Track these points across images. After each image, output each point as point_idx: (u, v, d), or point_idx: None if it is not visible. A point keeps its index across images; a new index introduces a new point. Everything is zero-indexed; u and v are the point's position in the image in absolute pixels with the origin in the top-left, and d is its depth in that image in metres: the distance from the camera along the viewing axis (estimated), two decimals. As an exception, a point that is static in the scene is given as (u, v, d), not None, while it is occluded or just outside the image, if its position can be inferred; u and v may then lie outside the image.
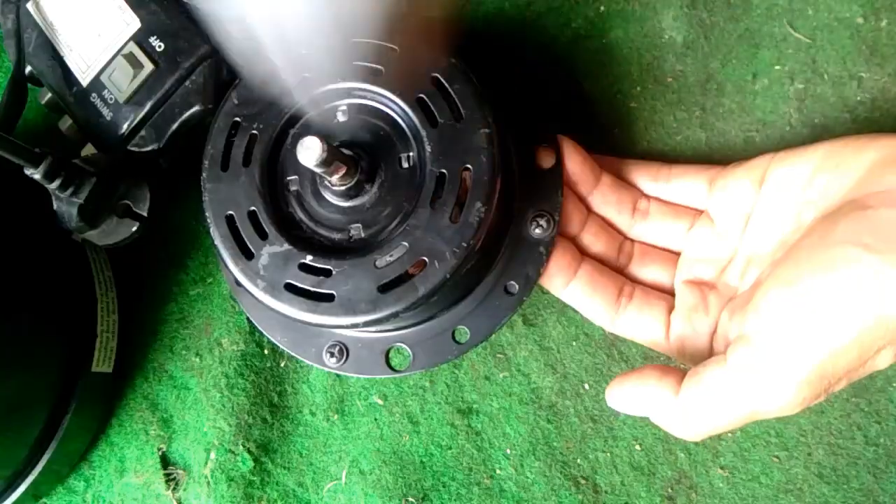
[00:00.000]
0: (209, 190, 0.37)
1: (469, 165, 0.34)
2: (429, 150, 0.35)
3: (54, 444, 0.45)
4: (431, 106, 0.35)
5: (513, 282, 0.39)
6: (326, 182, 0.35)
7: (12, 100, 0.42)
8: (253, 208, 0.36)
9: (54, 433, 0.45)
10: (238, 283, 0.36)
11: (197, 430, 0.49)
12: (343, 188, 0.35)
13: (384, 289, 0.34)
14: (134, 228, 0.45)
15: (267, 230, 0.36)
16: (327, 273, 0.34)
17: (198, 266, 0.52)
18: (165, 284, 0.52)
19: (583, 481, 0.45)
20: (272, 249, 0.35)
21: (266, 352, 0.49)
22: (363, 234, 0.36)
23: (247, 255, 0.35)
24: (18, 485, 0.45)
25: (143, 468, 0.49)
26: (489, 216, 0.34)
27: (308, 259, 0.35)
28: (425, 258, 0.34)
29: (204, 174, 0.37)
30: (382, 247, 0.34)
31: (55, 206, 0.42)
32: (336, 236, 0.36)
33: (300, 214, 0.37)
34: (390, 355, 0.40)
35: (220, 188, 0.37)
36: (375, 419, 0.48)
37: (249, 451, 0.48)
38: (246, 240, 0.36)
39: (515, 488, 0.46)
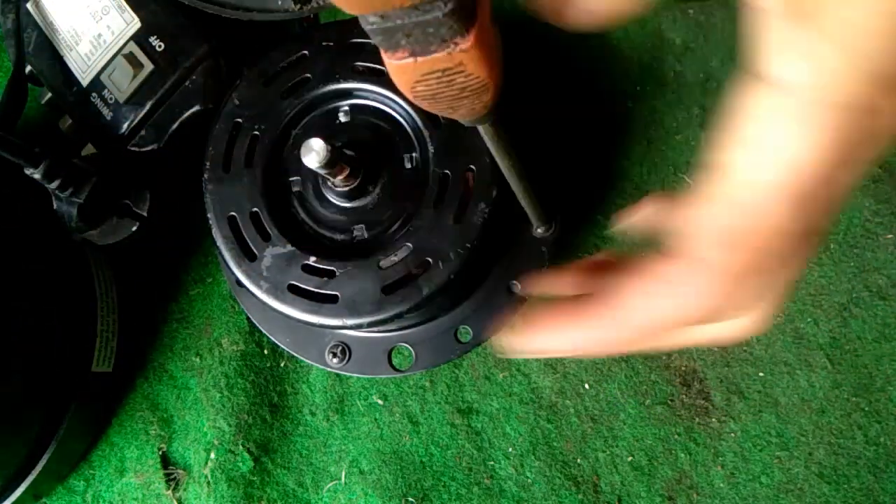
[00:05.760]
0: (211, 191, 0.37)
1: (472, 166, 0.34)
2: (432, 150, 0.35)
3: (54, 444, 0.45)
4: None
5: (515, 281, 0.39)
6: (329, 183, 0.35)
7: (12, 100, 0.42)
8: (255, 209, 0.36)
9: (54, 433, 0.45)
10: (240, 284, 0.36)
11: (197, 429, 0.49)
12: (346, 189, 0.35)
13: (388, 290, 0.34)
14: (134, 228, 0.45)
15: (270, 231, 0.36)
16: (331, 274, 0.34)
17: (198, 266, 0.52)
18: (165, 284, 0.52)
19: (583, 481, 0.45)
20: (275, 251, 0.35)
21: (266, 352, 0.49)
22: (366, 235, 0.36)
23: (249, 256, 0.35)
24: (18, 484, 0.45)
25: (143, 468, 0.49)
26: (492, 217, 0.34)
27: (311, 260, 0.35)
28: (429, 259, 0.34)
29: (205, 175, 0.37)
30: (386, 248, 0.34)
31: (55, 206, 0.42)
32: (339, 237, 0.36)
33: (303, 215, 0.37)
34: (392, 355, 0.40)
35: (222, 189, 0.37)
36: (375, 419, 0.48)
37: (249, 451, 0.48)
38: (249, 241, 0.36)
39: (515, 488, 0.46)
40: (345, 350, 0.40)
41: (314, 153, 0.31)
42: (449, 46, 0.18)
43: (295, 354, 0.41)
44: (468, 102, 0.21)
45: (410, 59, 0.18)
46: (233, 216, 0.36)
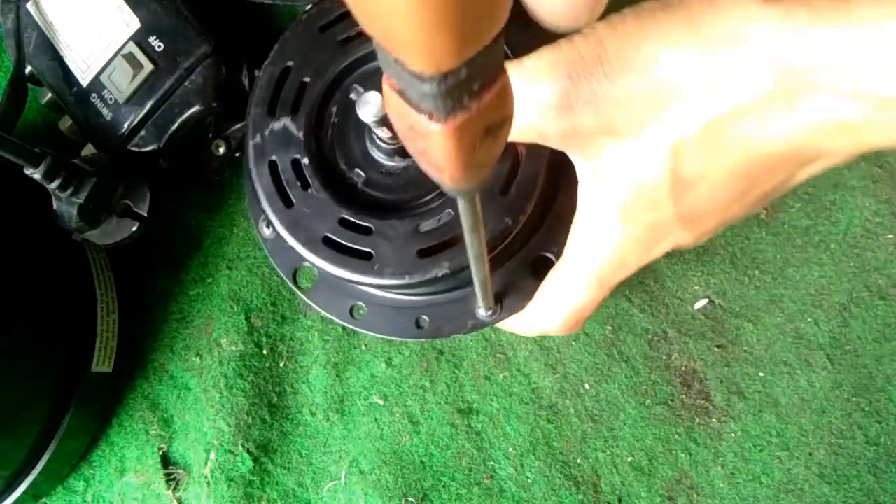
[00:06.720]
0: (253, 134, 0.36)
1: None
2: None
3: (54, 444, 0.45)
4: None
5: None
6: (377, 140, 0.34)
7: (12, 100, 0.42)
8: (297, 156, 0.35)
9: (54, 433, 0.45)
10: (272, 229, 0.35)
11: (197, 430, 0.49)
12: (394, 147, 0.34)
13: (423, 254, 0.32)
14: (134, 228, 0.45)
15: (310, 180, 0.35)
16: (367, 231, 0.33)
17: (198, 266, 0.52)
18: (165, 284, 0.52)
19: (583, 481, 0.45)
20: (313, 200, 0.34)
21: (265, 352, 0.49)
22: (407, 196, 0.35)
23: (286, 202, 0.35)
24: (18, 485, 0.45)
25: (143, 468, 0.49)
26: (539, 191, 0.33)
27: (349, 214, 0.34)
28: None
29: (250, 117, 0.36)
30: (426, 211, 0.33)
31: (55, 206, 0.42)
32: (379, 195, 0.35)
33: (344, 167, 0.36)
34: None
35: (264, 133, 0.35)
36: (375, 419, 0.48)
37: (249, 452, 0.48)
38: (287, 187, 0.35)
39: (515, 488, 0.46)
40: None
41: (370, 106, 0.30)
42: (424, 113, 0.16)
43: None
44: (429, 169, 0.19)
45: (395, 93, 0.17)
46: (273, 161, 0.35)
